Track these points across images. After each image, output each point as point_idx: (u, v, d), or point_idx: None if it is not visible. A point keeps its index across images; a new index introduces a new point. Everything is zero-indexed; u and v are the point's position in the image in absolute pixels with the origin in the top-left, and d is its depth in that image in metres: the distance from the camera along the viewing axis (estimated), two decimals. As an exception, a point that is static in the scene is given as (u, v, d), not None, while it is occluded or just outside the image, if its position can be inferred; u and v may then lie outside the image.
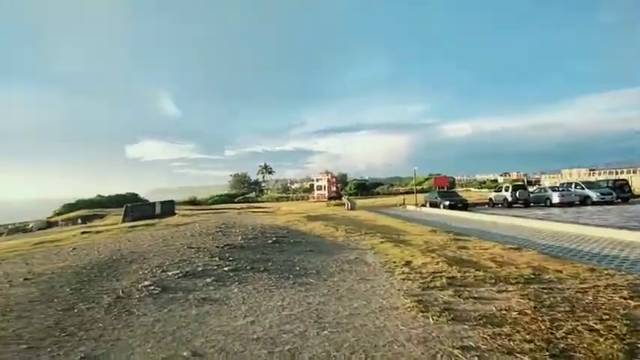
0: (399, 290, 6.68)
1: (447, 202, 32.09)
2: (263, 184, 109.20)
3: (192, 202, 65.39)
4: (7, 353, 4.15)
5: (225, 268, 8.12)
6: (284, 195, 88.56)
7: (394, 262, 9.04)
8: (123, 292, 6.52)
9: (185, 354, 4.15)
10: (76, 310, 5.60)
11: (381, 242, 11.96)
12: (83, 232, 16.26)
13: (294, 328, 4.90)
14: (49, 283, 7.20)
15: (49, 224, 37.33)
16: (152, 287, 6.71)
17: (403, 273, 7.96)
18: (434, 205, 33.83)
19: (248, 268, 8.30)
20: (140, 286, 6.83)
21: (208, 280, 7.26)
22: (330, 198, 64.31)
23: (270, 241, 11.80)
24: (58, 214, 44.76)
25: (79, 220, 35.80)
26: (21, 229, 35.37)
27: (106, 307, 5.78)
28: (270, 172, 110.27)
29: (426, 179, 71.92)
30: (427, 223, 19.81)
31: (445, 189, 43.59)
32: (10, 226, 37.67)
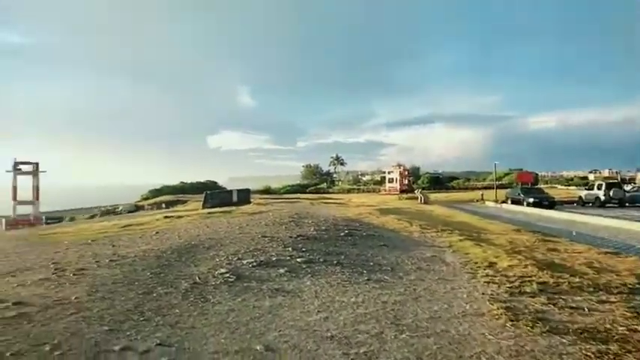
0: (483, 294, 6.14)
1: (531, 200, 29.95)
2: (334, 176, 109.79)
3: (266, 191, 67.30)
4: (91, 334, 4.27)
5: (298, 260, 8.00)
6: (355, 187, 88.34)
7: (476, 263, 8.42)
8: (200, 278, 6.60)
9: (258, 348, 4.01)
10: (154, 295, 5.73)
11: (460, 240, 11.27)
12: (166, 217, 17.18)
13: (370, 328, 4.60)
14: (131, 265, 7.51)
15: (136, 207, 40.25)
16: (227, 275, 6.73)
17: (487, 275, 7.35)
18: (516, 202, 31.75)
19: (321, 260, 8.12)
20: (216, 273, 6.89)
21: (281, 270, 7.17)
22: (401, 191, 63.06)
23: (342, 234, 11.57)
24: (145, 198, 48.15)
25: (164, 205, 38.20)
26: (112, 212, 38.47)
27: (183, 292, 5.85)
28: (341, 164, 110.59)
29: (506, 174, 67.89)
30: (509, 221, 18.54)
31: (529, 185, 40.76)
32: (102, 209, 41.15)
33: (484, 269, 7.85)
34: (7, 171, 42.74)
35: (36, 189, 43.37)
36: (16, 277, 6.85)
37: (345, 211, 20.28)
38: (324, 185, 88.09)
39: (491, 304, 5.59)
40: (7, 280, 6.70)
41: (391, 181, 72.89)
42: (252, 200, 36.18)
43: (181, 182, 58.33)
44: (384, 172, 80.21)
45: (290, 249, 8.98)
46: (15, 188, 42.52)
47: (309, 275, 6.99)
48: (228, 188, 52.51)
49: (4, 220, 37.80)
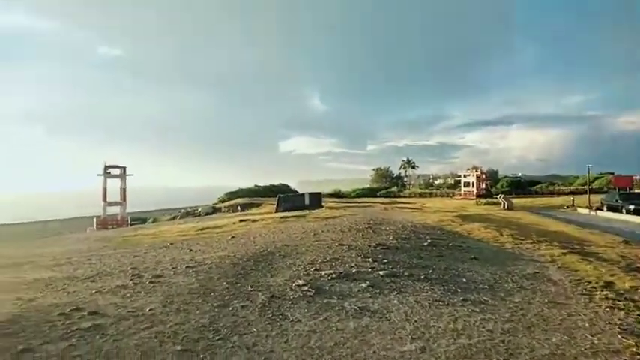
0: (609, 323, 5.06)
1: (632, 207, 26.65)
2: (405, 179, 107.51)
3: (336, 195, 66.95)
4: (162, 353, 3.89)
5: (381, 272, 7.29)
6: (427, 191, 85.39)
7: (589, 282, 7.20)
8: (277, 290, 6.13)
9: (347, 386, 3.38)
10: (230, 308, 5.31)
11: (563, 254, 9.90)
12: (241, 221, 17.25)
13: (480, 366, 3.79)
14: (207, 273, 7.24)
15: (213, 209, 41.59)
16: (306, 288, 6.19)
17: (607, 298, 6.18)
18: (613, 209, 28.45)
19: (406, 274, 7.34)
20: (294, 284, 6.38)
21: (363, 284, 6.50)
22: (478, 196, 59.93)
23: (425, 243, 10.66)
24: (222, 201, 49.76)
25: (239, 208, 39.08)
26: (191, 213, 40.05)
27: (260, 307, 5.39)
28: (412, 167, 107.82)
29: (596, 178, 61.87)
30: (611, 231, 16.39)
31: (627, 190, 36.54)
32: (183, 210, 43.02)
33: (601, 290, 6.66)
34: (99, 175, 46.02)
35: (123, 191, 46.34)
36: (96, 283, 6.82)
37: (423, 218, 19.18)
38: (395, 189, 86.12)
39: (626, 338, 4.53)
40: (86, 285, 6.68)
41: (467, 185, 69.32)
42: (323, 204, 35.96)
43: (255, 185, 59.70)
44: (459, 176, 76.68)
45: (370, 259, 8.28)
46: (105, 190, 45.67)
47: (395, 292, 6.25)
48: (300, 191, 52.84)
49: (95, 220, 40.67)
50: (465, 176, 70.73)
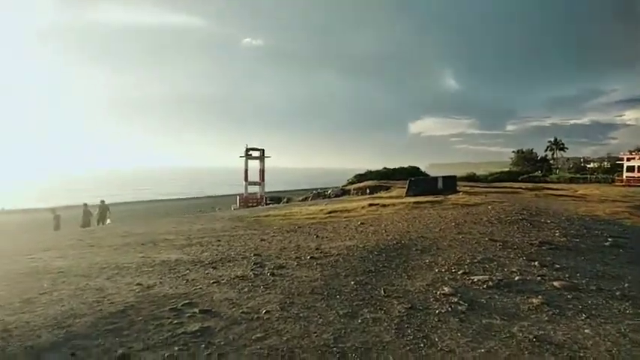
0: None
1: None
2: (552, 163, 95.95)
3: (471, 179, 62.03)
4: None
5: (555, 283, 5.52)
6: (578, 176, 75.01)
7: None
8: (417, 299, 4.86)
9: None
10: (359, 321, 4.20)
11: None
12: (371, 205, 16.21)
13: None
14: (333, 267, 6.27)
15: (342, 191, 41.50)
16: (455, 299, 4.81)
17: None
18: None
19: (592, 287, 5.45)
20: (438, 293, 5.04)
21: (534, 300, 4.86)
22: None
23: (606, 243, 8.33)
24: (351, 183, 49.58)
25: (368, 190, 38.26)
26: (321, 194, 40.50)
27: (396, 322, 4.18)
28: (561, 149, 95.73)
29: None
30: None
31: None
32: (314, 191, 43.81)
33: None
34: (240, 156, 49.15)
35: (261, 172, 48.92)
36: (217, 270, 6.32)
37: (589, 208, 15.91)
38: (538, 173, 77.16)
39: None
40: (207, 272, 6.20)
41: (631, 169, 59.43)
42: (458, 189, 33.11)
43: (384, 168, 58.20)
44: (620, 159, 65.64)
45: (536, 263, 6.48)
46: (246, 171, 48.68)
47: (583, 315, 4.50)
48: (429, 175, 50.04)
49: (238, 198, 43.63)
50: (627, 159, 60.85)
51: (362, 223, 11.34)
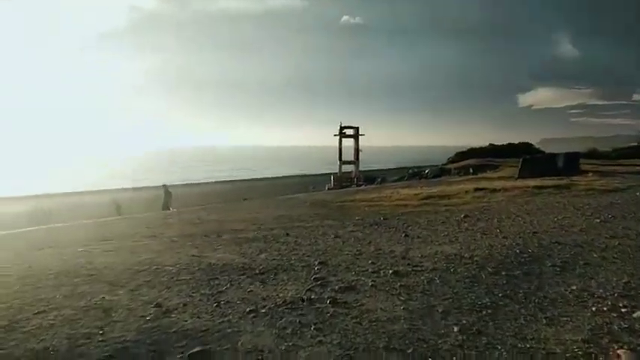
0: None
1: None
2: None
3: (592, 155, 53.91)
4: None
5: None
6: None
7: None
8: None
9: None
10: None
11: None
12: (476, 189, 13.56)
13: None
14: (425, 295, 4.22)
15: (441, 171, 38.14)
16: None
17: None
18: None
19: None
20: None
21: None
22: None
23: None
24: (451, 161, 45.76)
25: (471, 170, 34.56)
26: (417, 174, 37.58)
27: None
28: None
29: None
30: None
31: None
32: (410, 171, 41.02)
33: None
34: (335, 135, 47.88)
35: (356, 151, 47.25)
36: (263, 286, 4.66)
37: None
38: None
39: None
40: (250, 290, 4.57)
41: None
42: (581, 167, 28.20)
43: (490, 144, 52.88)
44: None
45: None
46: (340, 150, 47.40)
47: None
48: (544, 152, 44.43)
49: (332, 177, 42.58)
50: None
51: (466, 216, 8.97)
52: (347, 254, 6.01)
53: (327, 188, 37.45)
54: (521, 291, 4.33)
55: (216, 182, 55.25)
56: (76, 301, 4.43)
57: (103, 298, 4.54)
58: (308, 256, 6.04)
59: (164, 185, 20.56)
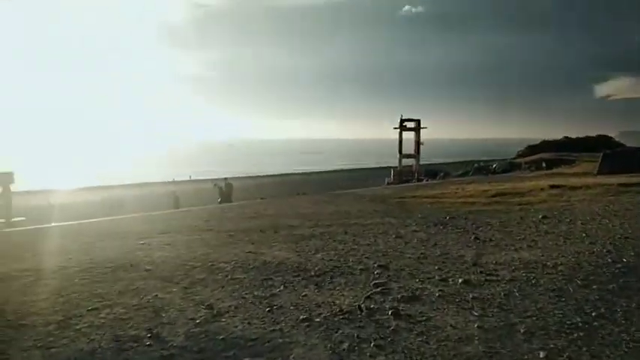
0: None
1: None
2: None
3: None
4: None
5: None
6: None
7: None
8: None
9: None
10: None
11: None
12: (552, 187, 12.39)
13: None
14: (503, 311, 3.64)
15: (511, 166, 36.02)
16: None
17: None
18: None
19: None
20: None
21: None
22: None
23: None
24: (521, 155, 43.22)
25: (543, 164, 32.34)
26: (484, 169, 35.76)
27: None
28: None
29: None
30: None
31: None
32: (475, 165, 39.14)
33: None
34: (395, 127, 46.80)
35: (417, 144, 45.89)
36: (319, 290, 4.30)
37: None
38: None
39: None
40: (304, 294, 4.22)
41: None
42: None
43: (565, 137, 49.40)
44: None
45: None
46: (400, 142, 46.27)
47: None
48: (624, 145, 40.74)
49: (392, 171, 41.68)
50: None
51: (545, 217, 8.08)
52: (410, 257, 5.52)
53: (386, 182, 36.72)
54: (619, 309, 3.65)
55: (274, 175, 56.09)
56: (130, 299, 4.34)
57: (156, 296, 4.42)
58: (367, 257, 5.62)
59: (225, 179, 20.87)
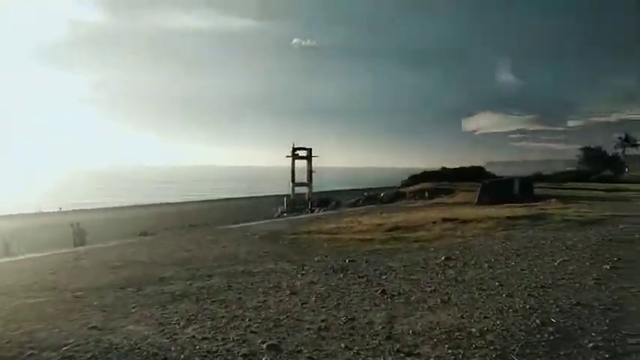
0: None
1: None
2: (624, 161, 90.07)
3: (538, 178, 55.55)
4: None
5: None
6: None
7: None
8: None
9: None
10: None
11: None
12: (445, 220, 12.32)
13: None
14: None
15: (397, 194, 37.37)
16: None
17: None
18: None
19: None
20: None
21: None
22: None
23: None
24: (406, 184, 45.25)
25: (426, 194, 33.94)
26: (373, 198, 36.51)
27: None
28: (634, 146, 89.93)
29: None
30: None
31: None
32: (365, 193, 39.94)
33: None
34: (287, 156, 46.34)
35: (309, 172, 45.85)
36: None
37: None
38: (608, 172, 69.76)
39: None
40: None
41: None
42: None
43: (443, 167, 53.11)
44: None
45: None
46: (293, 171, 45.83)
47: None
48: (494, 175, 45.07)
49: (285, 200, 40.67)
50: None
51: (448, 259, 7.51)
52: (308, 328, 4.31)
53: (279, 211, 35.67)
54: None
55: (161, 204, 51.74)
56: None
57: None
58: (254, 331, 4.29)
59: (73, 225, 16.53)
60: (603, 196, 25.06)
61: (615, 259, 7.02)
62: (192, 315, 4.93)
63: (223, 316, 4.81)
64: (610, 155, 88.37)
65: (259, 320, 4.60)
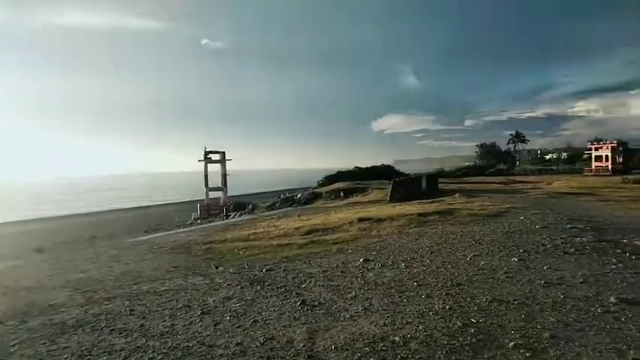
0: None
1: None
2: (515, 155, 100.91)
3: (441, 174, 59.49)
4: None
5: None
6: (542, 167, 76.95)
7: None
8: None
9: None
10: None
11: None
12: (361, 220, 12.42)
13: None
14: None
15: (314, 195, 37.57)
16: None
17: None
18: None
19: None
20: None
21: None
22: (615, 171, 51.75)
23: None
24: (321, 184, 45.65)
25: (341, 193, 34.50)
26: (290, 199, 36.32)
27: None
28: (522, 141, 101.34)
29: None
30: None
31: None
32: (282, 195, 39.61)
33: None
34: (199, 160, 44.54)
35: (224, 177, 44.47)
36: None
37: (626, 210, 12.72)
38: (502, 166, 77.47)
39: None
40: None
41: (599, 159, 60.85)
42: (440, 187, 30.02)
43: (356, 167, 54.50)
44: (589, 149, 66.23)
45: None
46: (206, 176, 44.12)
47: None
48: (405, 173, 47.18)
49: (199, 206, 39.04)
50: (595, 149, 62.00)
51: (366, 260, 7.46)
52: (222, 355, 3.87)
53: (193, 218, 34.17)
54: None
55: (64, 217, 46.98)
56: None
57: None
58: (162, 364, 3.77)
59: None
60: (500, 189, 27.28)
61: (521, 250, 7.44)
62: (86, 350, 4.25)
63: (122, 349, 4.19)
64: (503, 150, 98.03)
65: (164, 350, 4.06)
